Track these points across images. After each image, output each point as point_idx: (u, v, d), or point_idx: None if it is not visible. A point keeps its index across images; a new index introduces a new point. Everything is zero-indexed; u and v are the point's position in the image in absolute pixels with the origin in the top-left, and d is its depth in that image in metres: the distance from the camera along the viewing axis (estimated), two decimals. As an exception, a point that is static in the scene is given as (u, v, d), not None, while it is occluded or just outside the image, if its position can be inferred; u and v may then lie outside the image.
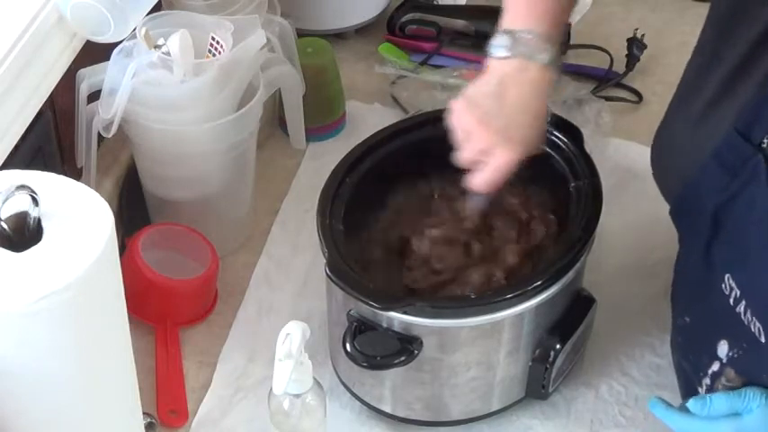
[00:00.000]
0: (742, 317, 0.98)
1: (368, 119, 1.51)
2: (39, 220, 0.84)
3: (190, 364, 1.24)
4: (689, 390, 1.07)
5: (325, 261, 1.09)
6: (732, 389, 1.00)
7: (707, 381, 1.03)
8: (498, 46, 1.08)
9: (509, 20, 1.08)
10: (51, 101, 1.16)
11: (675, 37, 1.64)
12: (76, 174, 1.26)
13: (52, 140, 1.22)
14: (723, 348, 1.01)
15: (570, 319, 1.14)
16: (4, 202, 0.82)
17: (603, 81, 1.57)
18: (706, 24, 1.09)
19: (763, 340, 0.96)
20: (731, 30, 1.04)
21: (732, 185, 0.98)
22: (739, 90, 1.01)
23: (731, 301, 0.98)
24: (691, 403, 1.00)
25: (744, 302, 0.97)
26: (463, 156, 1.09)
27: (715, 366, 1.02)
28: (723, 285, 0.99)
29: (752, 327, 0.97)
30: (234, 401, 1.20)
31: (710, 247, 1.01)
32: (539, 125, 1.09)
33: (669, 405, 1.03)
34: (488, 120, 1.07)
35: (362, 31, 1.66)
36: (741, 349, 0.99)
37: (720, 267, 1.00)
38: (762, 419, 0.97)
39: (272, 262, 1.34)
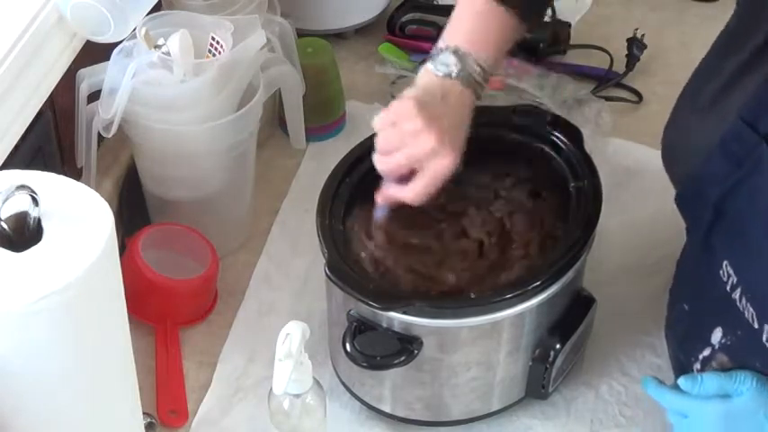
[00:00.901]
0: (737, 303, 0.98)
1: (368, 119, 1.50)
2: (39, 220, 0.84)
3: (190, 364, 1.24)
4: (682, 374, 1.07)
5: (325, 261, 1.09)
6: (723, 370, 1.01)
7: (697, 365, 1.04)
8: (445, 65, 1.09)
9: (461, 38, 1.10)
10: (51, 101, 1.16)
11: (675, 37, 1.64)
12: (76, 174, 1.26)
13: (52, 140, 1.22)
14: (717, 335, 1.02)
15: (570, 319, 1.14)
16: (4, 202, 0.82)
17: (603, 81, 1.57)
18: (732, 16, 1.09)
19: (756, 326, 0.97)
20: (746, 23, 1.04)
21: (735, 174, 0.98)
22: (748, 80, 1.01)
23: (728, 287, 0.99)
24: (681, 381, 1.01)
25: (740, 289, 0.98)
26: (399, 160, 1.06)
27: (706, 352, 1.03)
28: (721, 272, 1.00)
29: (746, 313, 0.98)
30: (234, 401, 1.20)
31: (711, 234, 1.02)
32: (462, 146, 1.08)
33: (661, 383, 1.05)
34: (440, 124, 1.05)
35: (362, 31, 1.66)
36: (734, 336, 1.00)
37: (719, 254, 1.01)
38: (751, 402, 0.98)
39: (272, 262, 1.34)
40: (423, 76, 1.10)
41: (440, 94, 1.08)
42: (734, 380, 0.99)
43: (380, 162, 1.08)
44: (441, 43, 1.11)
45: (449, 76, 1.08)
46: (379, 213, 1.13)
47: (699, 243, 1.04)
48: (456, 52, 1.09)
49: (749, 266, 0.97)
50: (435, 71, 1.09)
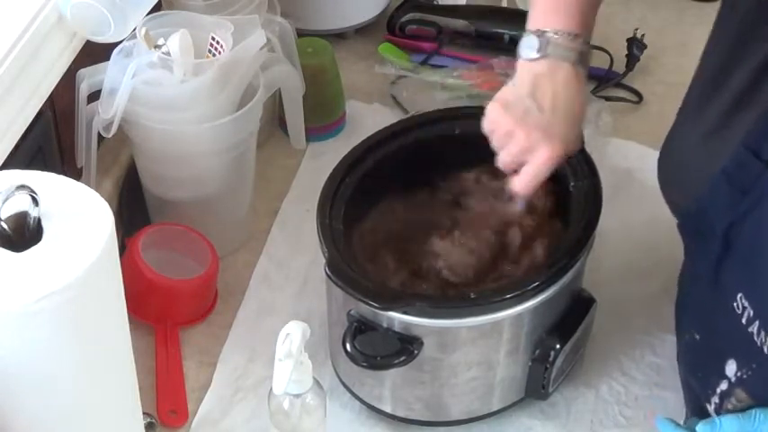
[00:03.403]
0: (755, 337, 0.96)
1: (368, 119, 1.51)
2: (39, 220, 0.84)
3: (190, 364, 1.24)
4: (696, 405, 1.06)
5: (325, 261, 1.09)
6: (742, 410, 0.99)
7: (716, 399, 1.02)
8: (528, 47, 1.08)
9: (537, 19, 1.09)
10: (51, 101, 1.16)
11: (675, 37, 1.64)
12: (76, 174, 1.26)
13: (52, 140, 1.22)
14: (731, 368, 1.00)
15: (570, 319, 1.14)
16: (4, 202, 0.82)
17: (603, 81, 1.57)
18: (714, 40, 1.08)
19: None
20: (744, 46, 1.03)
21: (742, 204, 0.97)
22: (749, 106, 1.00)
23: (743, 320, 0.97)
24: (700, 427, 0.99)
25: (758, 323, 0.95)
26: (504, 159, 1.09)
27: (723, 385, 1.01)
28: (735, 304, 0.97)
29: (765, 348, 0.95)
30: (234, 401, 1.20)
31: (722, 266, 1.00)
32: (576, 123, 1.09)
33: (678, 425, 1.02)
34: (528, 119, 1.07)
35: (362, 31, 1.66)
36: (750, 369, 0.98)
37: (732, 286, 0.98)
38: None
39: (272, 262, 1.34)
40: (518, 67, 1.10)
41: (530, 81, 1.08)
42: (753, 420, 0.97)
43: (498, 160, 1.11)
44: (526, 28, 1.11)
45: (534, 58, 1.08)
46: (515, 205, 1.15)
47: (708, 274, 1.02)
48: (536, 32, 1.08)
49: (767, 300, 0.95)
50: (521, 57, 1.09)
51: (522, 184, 1.09)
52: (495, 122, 1.09)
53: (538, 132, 1.07)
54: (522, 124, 1.07)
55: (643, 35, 1.58)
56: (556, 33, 1.07)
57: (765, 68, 1.00)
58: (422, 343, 1.08)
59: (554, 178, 1.17)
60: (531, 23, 1.10)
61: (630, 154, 1.45)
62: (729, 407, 1.00)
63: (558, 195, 1.17)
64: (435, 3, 1.67)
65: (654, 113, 1.52)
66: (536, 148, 1.07)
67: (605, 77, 1.57)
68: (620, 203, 1.33)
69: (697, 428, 0.99)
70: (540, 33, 1.08)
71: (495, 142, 1.10)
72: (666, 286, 1.13)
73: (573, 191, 1.15)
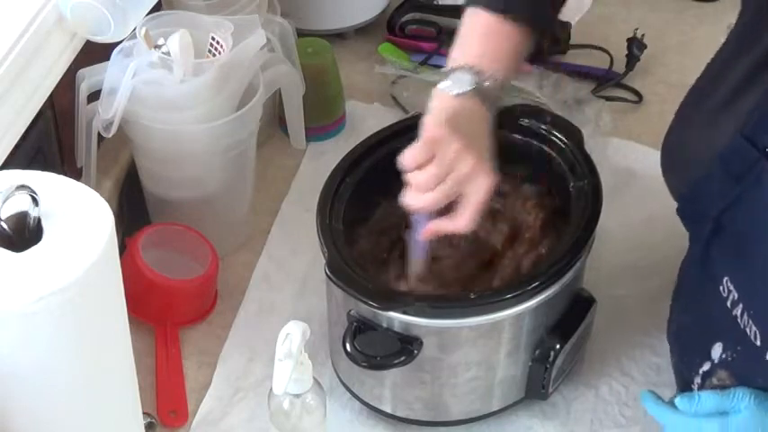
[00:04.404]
0: (738, 320, 0.98)
1: (368, 119, 1.51)
2: (39, 220, 0.84)
3: (190, 364, 1.24)
4: (685, 387, 1.07)
5: (325, 261, 1.09)
6: (722, 387, 1.00)
7: (698, 380, 1.04)
8: (460, 82, 1.05)
9: (469, 56, 1.06)
10: (51, 101, 1.16)
11: (675, 37, 1.65)
12: (76, 174, 1.26)
13: (52, 140, 1.22)
14: (717, 350, 1.01)
15: (570, 319, 1.14)
16: (4, 202, 0.82)
17: (603, 81, 1.57)
18: (731, 33, 1.09)
19: (758, 344, 0.96)
20: (749, 37, 1.04)
21: (735, 190, 0.98)
22: (748, 96, 1.01)
23: (729, 303, 0.99)
24: (678, 400, 1.01)
25: (741, 306, 0.97)
26: (441, 190, 1.02)
27: (706, 366, 1.02)
28: (722, 288, 0.99)
29: (748, 330, 0.97)
30: (234, 401, 1.20)
31: (711, 249, 1.02)
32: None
33: (658, 398, 1.04)
34: (473, 144, 1.03)
35: (362, 31, 1.66)
36: (735, 352, 0.99)
37: (720, 269, 1.00)
38: (748, 419, 0.97)
39: (272, 262, 1.34)
40: (436, 98, 1.06)
41: (467, 111, 1.04)
42: (731, 398, 0.98)
43: (420, 200, 1.04)
44: (451, 63, 1.07)
45: (465, 93, 1.05)
46: (421, 251, 1.11)
47: (699, 257, 1.03)
48: (471, 69, 1.05)
49: (752, 284, 0.96)
50: (450, 90, 1.05)
51: (468, 217, 1.03)
52: (442, 143, 1.02)
53: (481, 160, 1.03)
54: (468, 150, 1.02)
55: (643, 35, 1.58)
56: (493, 79, 1.05)
57: (765, 59, 1.01)
58: (422, 343, 1.08)
59: (554, 179, 1.17)
60: (462, 58, 1.06)
61: (630, 154, 1.45)
62: (709, 386, 1.02)
63: (559, 196, 1.18)
64: (435, 3, 1.67)
65: (654, 113, 1.52)
66: (483, 171, 1.03)
67: (605, 77, 1.57)
68: (620, 203, 1.34)
69: (676, 401, 1.01)
70: (477, 73, 1.05)
71: (436, 172, 1.02)
72: (666, 286, 1.14)
73: (573, 191, 1.15)
